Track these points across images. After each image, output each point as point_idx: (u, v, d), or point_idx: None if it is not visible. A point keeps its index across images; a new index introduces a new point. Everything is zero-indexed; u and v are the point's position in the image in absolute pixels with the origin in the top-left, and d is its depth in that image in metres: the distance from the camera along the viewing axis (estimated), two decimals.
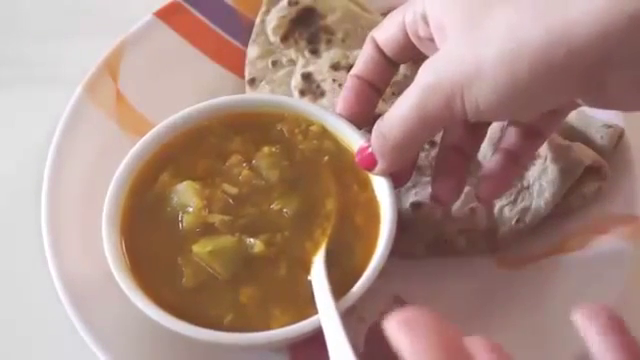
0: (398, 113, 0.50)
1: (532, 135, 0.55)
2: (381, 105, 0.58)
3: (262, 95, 0.64)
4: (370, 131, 0.53)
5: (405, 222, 0.56)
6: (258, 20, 0.68)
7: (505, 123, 0.61)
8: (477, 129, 0.56)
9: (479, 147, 0.57)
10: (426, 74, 0.48)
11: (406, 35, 0.53)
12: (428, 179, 0.59)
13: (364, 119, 0.57)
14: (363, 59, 0.56)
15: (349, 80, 0.56)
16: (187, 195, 0.54)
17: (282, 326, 0.51)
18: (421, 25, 0.51)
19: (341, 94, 0.57)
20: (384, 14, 0.70)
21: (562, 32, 0.42)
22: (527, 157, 0.56)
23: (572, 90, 0.45)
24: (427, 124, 0.49)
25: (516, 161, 0.55)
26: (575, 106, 0.52)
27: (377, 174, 0.55)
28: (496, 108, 0.46)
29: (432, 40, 0.50)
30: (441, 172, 0.56)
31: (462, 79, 0.46)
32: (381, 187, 0.55)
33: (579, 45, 0.42)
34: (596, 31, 0.41)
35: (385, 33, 0.54)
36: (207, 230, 0.54)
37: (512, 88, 0.45)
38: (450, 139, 0.55)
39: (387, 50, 0.54)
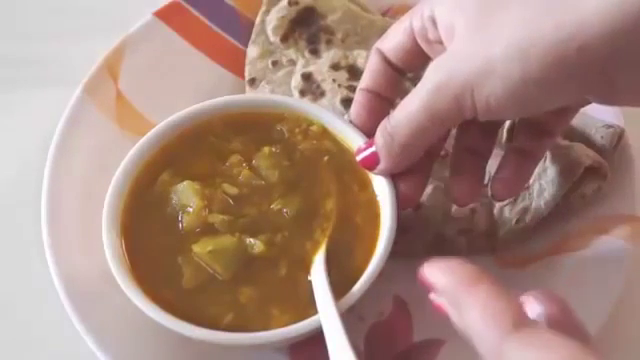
0: (406, 112, 0.50)
1: (542, 133, 0.55)
2: None
3: (262, 95, 0.64)
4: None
5: (405, 222, 0.56)
6: (258, 20, 0.68)
7: (506, 124, 0.61)
8: (491, 129, 0.55)
9: (493, 147, 0.57)
10: (435, 73, 0.48)
11: (414, 41, 0.53)
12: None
13: None
14: (370, 71, 0.55)
15: (358, 94, 0.56)
16: (187, 195, 0.54)
17: (282, 326, 0.51)
18: (430, 28, 0.51)
19: (352, 108, 0.57)
20: (384, 14, 0.70)
21: (573, 29, 0.42)
22: (539, 155, 0.56)
23: (582, 87, 0.45)
24: (436, 123, 0.49)
25: (528, 159, 0.55)
26: (584, 103, 0.52)
27: (379, 173, 0.55)
28: (506, 106, 0.46)
29: (441, 43, 0.50)
30: (457, 173, 0.55)
31: (472, 77, 0.46)
32: (381, 187, 0.55)
33: (590, 43, 0.42)
34: (606, 29, 0.42)
35: (391, 42, 0.54)
36: (207, 230, 0.54)
37: (522, 85, 0.45)
38: (464, 140, 0.55)
39: (394, 58, 0.54)
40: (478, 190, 0.56)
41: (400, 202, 0.54)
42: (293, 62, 0.67)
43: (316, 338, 0.49)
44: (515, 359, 0.37)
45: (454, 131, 0.56)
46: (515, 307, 0.39)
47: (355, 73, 0.65)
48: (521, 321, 0.38)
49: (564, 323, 0.40)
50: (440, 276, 0.41)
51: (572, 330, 0.39)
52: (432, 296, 0.42)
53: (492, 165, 0.57)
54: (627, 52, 0.42)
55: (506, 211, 0.60)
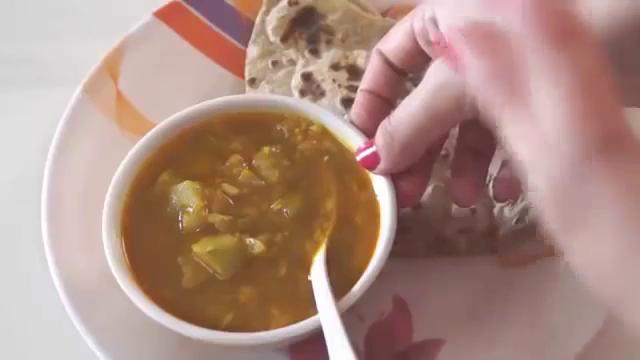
0: (406, 112, 0.50)
1: None
2: None
3: (262, 95, 0.64)
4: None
5: (405, 222, 0.56)
6: (258, 20, 0.68)
7: None
8: (492, 129, 0.55)
9: (495, 148, 0.57)
10: (436, 73, 0.48)
11: (415, 42, 0.52)
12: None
13: None
14: (371, 73, 0.55)
15: (359, 95, 0.56)
16: (187, 195, 0.54)
17: (282, 326, 0.51)
18: (431, 29, 0.51)
19: (353, 109, 0.57)
20: (384, 14, 0.70)
21: None
22: None
23: None
24: (436, 123, 0.49)
25: None
26: None
27: (379, 173, 0.55)
28: None
29: None
30: (459, 174, 0.55)
31: None
32: (381, 187, 0.55)
33: None
34: (607, 31, 0.41)
35: (392, 43, 0.54)
36: (207, 230, 0.54)
37: None
38: (466, 141, 0.55)
39: (395, 60, 0.54)
40: (480, 191, 0.56)
41: (400, 201, 0.54)
42: (293, 62, 0.67)
43: (316, 338, 0.49)
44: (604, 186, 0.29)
45: (455, 131, 0.56)
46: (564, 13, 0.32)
47: (355, 73, 0.65)
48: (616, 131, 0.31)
49: None
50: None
51: None
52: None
53: (493, 165, 0.57)
54: (628, 54, 0.42)
55: (506, 211, 0.60)
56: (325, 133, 0.58)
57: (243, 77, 0.67)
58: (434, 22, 0.50)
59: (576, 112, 0.31)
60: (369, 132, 0.56)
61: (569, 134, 0.31)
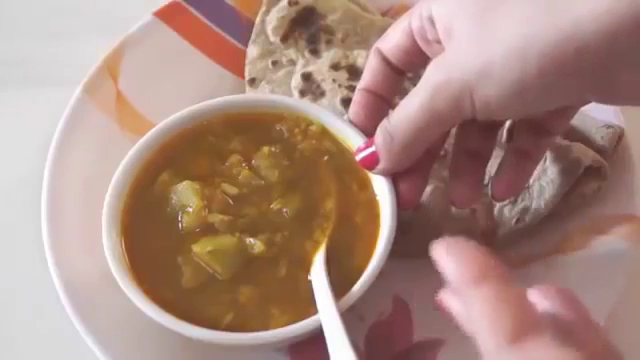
0: (406, 112, 0.50)
1: (542, 133, 0.55)
2: None
3: (262, 95, 0.64)
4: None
5: (405, 222, 0.56)
6: (258, 20, 0.68)
7: (506, 124, 0.61)
8: (490, 130, 0.55)
9: (492, 149, 0.57)
10: (435, 73, 0.48)
11: (413, 41, 0.53)
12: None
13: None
14: (369, 71, 0.55)
15: (357, 94, 0.56)
16: (187, 195, 0.54)
17: (282, 326, 0.51)
18: (429, 28, 0.51)
19: (351, 108, 0.57)
20: (384, 14, 0.70)
21: (571, 30, 0.42)
22: (538, 155, 0.56)
23: (581, 87, 0.45)
24: (435, 123, 0.49)
25: (528, 159, 0.55)
26: (584, 102, 0.52)
27: (379, 173, 0.55)
28: (506, 106, 0.46)
29: (440, 43, 0.50)
30: (456, 176, 0.55)
31: (472, 77, 0.46)
32: (381, 187, 0.55)
33: (588, 43, 0.42)
34: (605, 30, 0.42)
35: (391, 41, 0.54)
36: (207, 230, 0.54)
37: (521, 85, 0.45)
38: (463, 142, 0.55)
39: (394, 58, 0.54)
40: (477, 193, 0.56)
41: (400, 202, 0.54)
42: (293, 62, 0.67)
43: (316, 338, 0.49)
44: None
45: (454, 131, 0.56)
46: (519, 312, 0.37)
47: (355, 73, 0.65)
48: (523, 330, 0.36)
49: (573, 320, 0.39)
50: (448, 263, 0.40)
51: (581, 327, 0.38)
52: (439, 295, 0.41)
53: (492, 165, 0.57)
54: (627, 52, 0.42)
55: (506, 211, 0.60)
56: (325, 133, 0.58)
57: (243, 77, 0.67)
58: (431, 21, 0.50)
59: None
60: (367, 131, 0.56)
61: None
